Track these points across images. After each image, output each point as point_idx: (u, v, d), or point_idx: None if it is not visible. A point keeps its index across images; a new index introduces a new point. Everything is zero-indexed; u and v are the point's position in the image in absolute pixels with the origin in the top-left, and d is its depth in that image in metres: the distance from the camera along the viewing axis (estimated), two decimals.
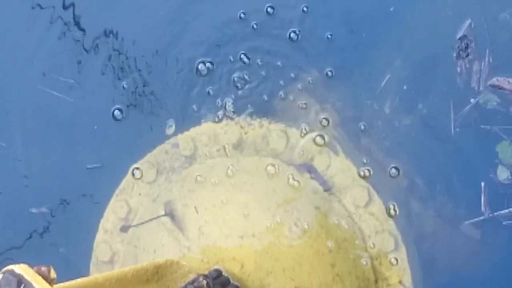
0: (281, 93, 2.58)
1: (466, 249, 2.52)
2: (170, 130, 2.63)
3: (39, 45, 2.71)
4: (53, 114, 2.71)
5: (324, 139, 2.53)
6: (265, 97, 2.59)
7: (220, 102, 2.60)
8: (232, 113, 2.58)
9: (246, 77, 2.59)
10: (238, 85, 2.59)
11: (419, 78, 2.53)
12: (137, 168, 2.63)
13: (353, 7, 2.58)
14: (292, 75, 2.58)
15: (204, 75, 2.60)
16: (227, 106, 2.58)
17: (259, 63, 2.59)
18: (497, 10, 2.47)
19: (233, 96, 2.59)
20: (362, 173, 2.52)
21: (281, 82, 2.58)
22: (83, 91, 2.69)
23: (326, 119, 2.55)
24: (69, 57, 2.69)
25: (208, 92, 2.60)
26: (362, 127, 2.55)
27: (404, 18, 2.55)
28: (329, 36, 2.57)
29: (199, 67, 2.61)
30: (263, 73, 2.59)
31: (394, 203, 2.50)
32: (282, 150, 2.54)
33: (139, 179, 2.62)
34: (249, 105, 2.58)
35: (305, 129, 2.54)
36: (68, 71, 2.69)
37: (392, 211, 2.51)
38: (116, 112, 2.66)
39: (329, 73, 2.56)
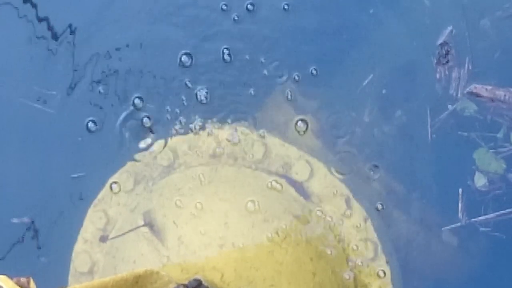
0: (261, 96, 2.58)
1: (443, 256, 2.54)
2: (148, 141, 2.62)
3: (18, 57, 2.69)
4: (33, 125, 2.69)
5: (303, 146, 2.54)
6: (243, 103, 2.58)
7: (199, 106, 2.59)
8: (210, 119, 2.57)
9: (226, 77, 2.58)
10: (218, 88, 2.59)
11: (398, 83, 2.55)
12: (115, 182, 2.60)
13: (333, 9, 2.59)
14: (271, 74, 2.58)
15: (188, 66, 2.58)
16: (205, 106, 2.58)
17: (239, 60, 2.58)
18: (478, 17, 2.49)
19: (212, 101, 2.58)
20: (339, 170, 2.53)
21: (259, 82, 2.59)
22: (63, 102, 2.67)
23: (305, 122, 2.55)
24: (48, 67, 2.67)
25: (187, 85, 2.58)
26: (341, 134, 2.55)
27: (385, 22, 2.56)
28: (308, 35, 2.57)
29: (183, 58, 2.59)
30: (242, 72, 2.59)
31: (382, 203, 2.51)
32: (261, 158, 2.53)
33: (117, 193, 2.60)
34: (229, 112, 2.58)
35: (286, 136, 2.54)
36: (48, 82, 2.67)
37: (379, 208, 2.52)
38: (90, 124, 2.64)
39: (314, 72, 2.56)
